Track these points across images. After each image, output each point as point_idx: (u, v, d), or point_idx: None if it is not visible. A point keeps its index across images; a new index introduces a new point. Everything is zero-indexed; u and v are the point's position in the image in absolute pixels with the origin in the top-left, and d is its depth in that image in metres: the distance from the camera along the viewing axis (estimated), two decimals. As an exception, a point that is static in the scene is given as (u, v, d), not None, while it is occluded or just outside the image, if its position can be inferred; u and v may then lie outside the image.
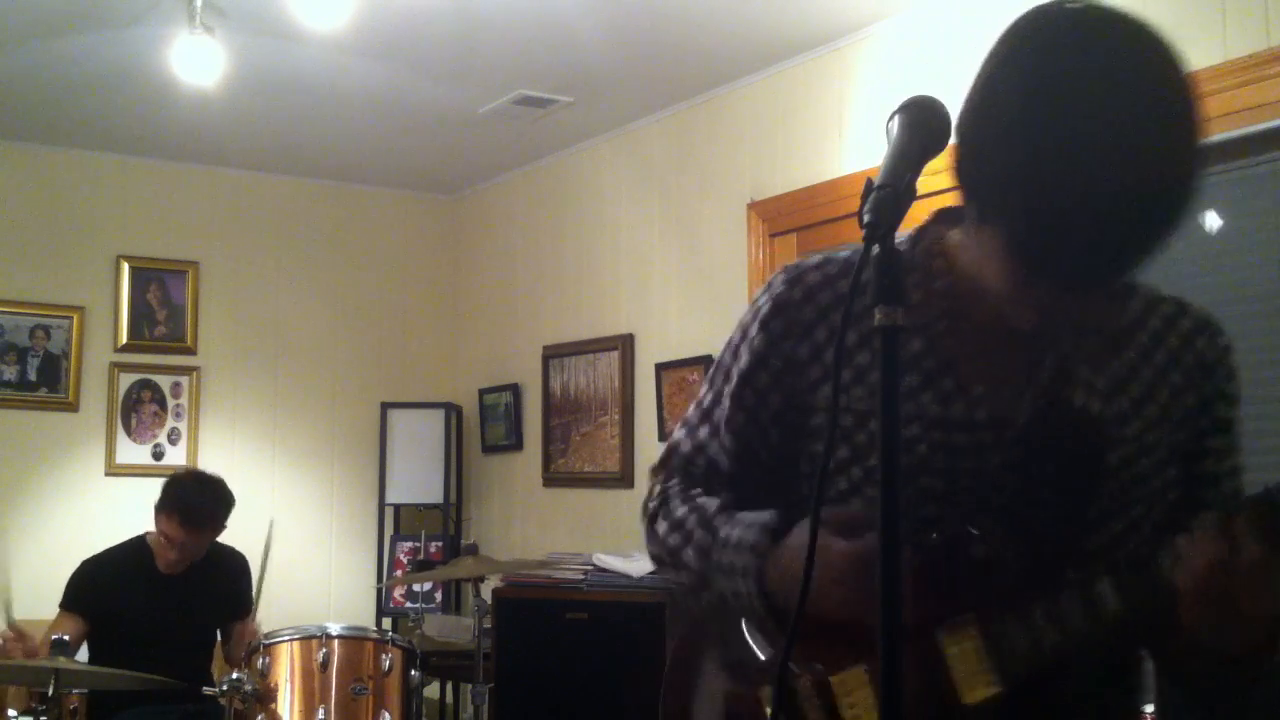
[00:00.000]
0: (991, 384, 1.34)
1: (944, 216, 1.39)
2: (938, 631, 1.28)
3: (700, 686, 1.53)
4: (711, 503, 1.46)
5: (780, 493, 1.43)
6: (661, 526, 1.50)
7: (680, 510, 1.48)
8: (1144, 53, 1.16)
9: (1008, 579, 1.29)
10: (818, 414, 1.40)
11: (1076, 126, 1.12)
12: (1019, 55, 1.21)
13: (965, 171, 1.21)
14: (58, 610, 3.95)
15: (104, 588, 3.95)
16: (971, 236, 1.29)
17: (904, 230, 1.25)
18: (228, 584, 4.21)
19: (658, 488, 1.54)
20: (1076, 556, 1.31)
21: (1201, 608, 1.20)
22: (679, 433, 1.55)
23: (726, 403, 1.48)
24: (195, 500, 4.00)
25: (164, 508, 3.98)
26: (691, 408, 1.55)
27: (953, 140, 1.22)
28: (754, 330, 1.45)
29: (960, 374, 1.34)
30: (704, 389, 1.54)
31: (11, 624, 3.67)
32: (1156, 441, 1.36)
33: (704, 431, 1.51)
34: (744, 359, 1.46)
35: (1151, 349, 1.37)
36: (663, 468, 1.55)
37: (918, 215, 1.30)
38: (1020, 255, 1.20)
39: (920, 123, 1.18)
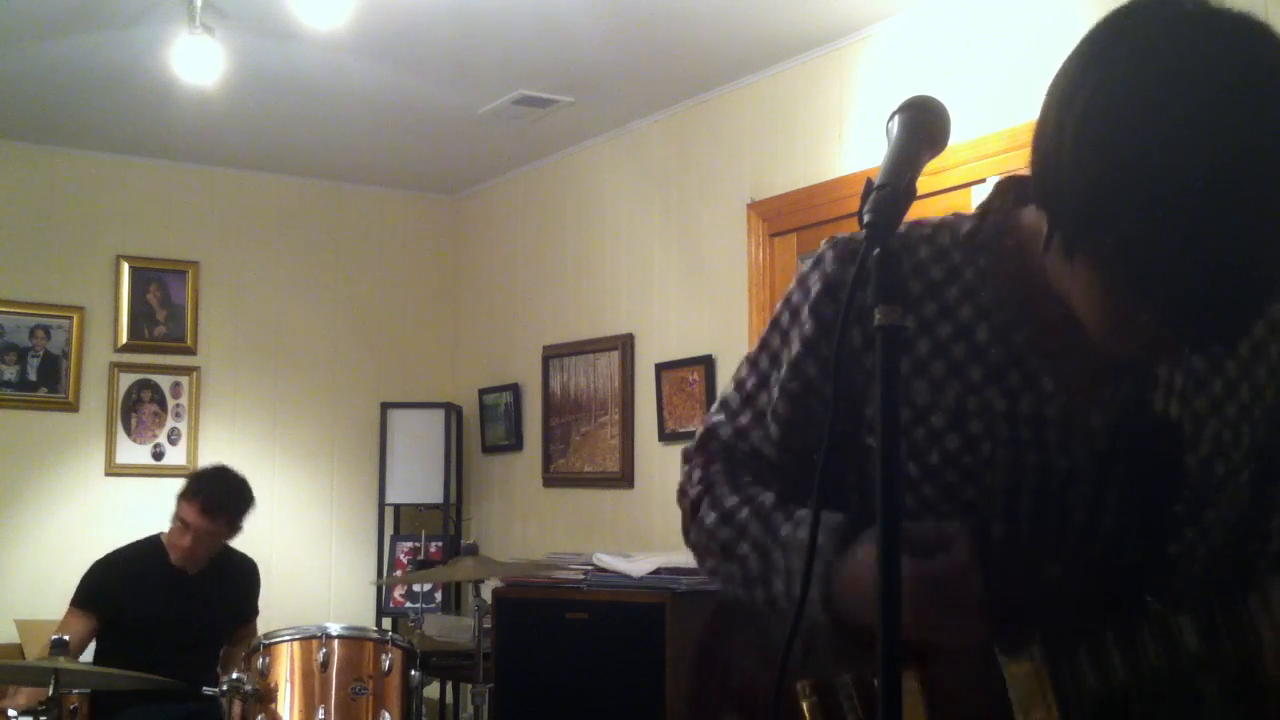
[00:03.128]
0: (1062, 378, 1.25)
1: (1010, 189, 1.29)
2: (999, 650, 1.20)
3: (729, 670, 1.47)
4: (767, 496, 1.35)
5: (828, 486, 1.33)
6: (710, 516, 1.38)
7: (730, 500, 1.37)
8: (1262, 56, 1.05)
9: (1080, 599, 1.21)
10: (867, 405, 1.29)
11: (1204, 143, 1.00)
12: (1123, 63, 1.06)
13: (1046, 195, 1.11)
14: (68, 608, 3.95)
15: (118, 586, 3.97)
16: (1057, 263, 1.15)
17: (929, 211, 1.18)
18: (239, 587, 4.22)
19: (697, 473, 1.42)
20: (1149, 568, 1.24)
21: None
22: (717, 416, 1.44)
23: (775, 390, 1.37)
24: (217, 489, 4.05)
25: (186, 494, 4.02)
26: (731, 388, 1.44)
27: (1033, 161, 1.13)
28: (805, 315, 1.34)
29: (1028, 366, 1.25)
30: (745, 369, 1.43)
31: None
32: (1234, 442, 1.27)
33: (746, 417, 1.40)
34: (794, 345, 1.35)
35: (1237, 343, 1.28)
36: (700, 452, 1.44)
37: (918, 215, 1.27)
38: (1133, 302, 1.09)
39: (920, 122, 1.16)
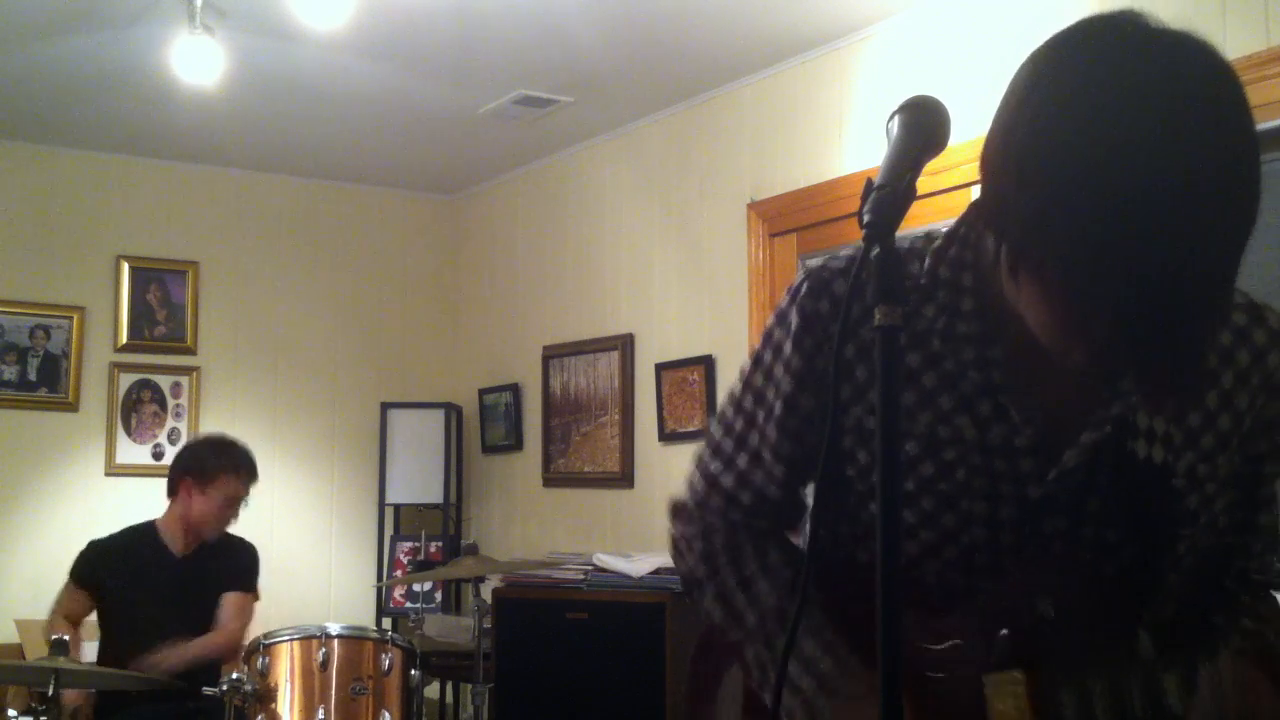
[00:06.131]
0: (1032, 409, 1.25)
1: (976, 213, 1.28)
2: (985, 681, 1.21)
3: (727, 677, 1.48)
4: (766, 589, 1.36)
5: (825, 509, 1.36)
6: (708, 594, 1.41)
7: (730, 580, 1.38)
8: (1202, 77, 1.05)
9: (1061, 630, 1.21)
10: (847, 435, 1.31)
11: (1130, 167, 1.00)
12: (1057, 82, 1.08)
13: (994, 212, 1.12)
14: (67, 579, 3.98)
15: (114, 566, 3.99)
16: (1007, 279, 1.15)
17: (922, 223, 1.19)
18: (235, 563, 4.19)
19: (699, 544, 1.43)
20: (1127, 596, 1.25)
21: None
22: (714, 464, 1.43)
23: (771, 429, 1.37)
24: (245, 453, 4.11)
25: (226, 469, 4.02)
26: (719, 432, 1.44)
27: (981, 176, 1.13)
28: (789, 350, 1.35)
29: (998, 397, 1.25)
30: (730, 411, 1.43)
31: None
32: (1209, 474, 1.26)
33: (743, 460, 1.41)
34: (784, 382, 1.36)
35: (1218, 372, 1.25)
36: (700, 507, 1.44)
37: (918, 215, 1.26)
38: (1066, 321, 1.09)
39: (920, 123, 1.16)
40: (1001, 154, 1.10)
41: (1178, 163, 1.00)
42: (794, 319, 1.35)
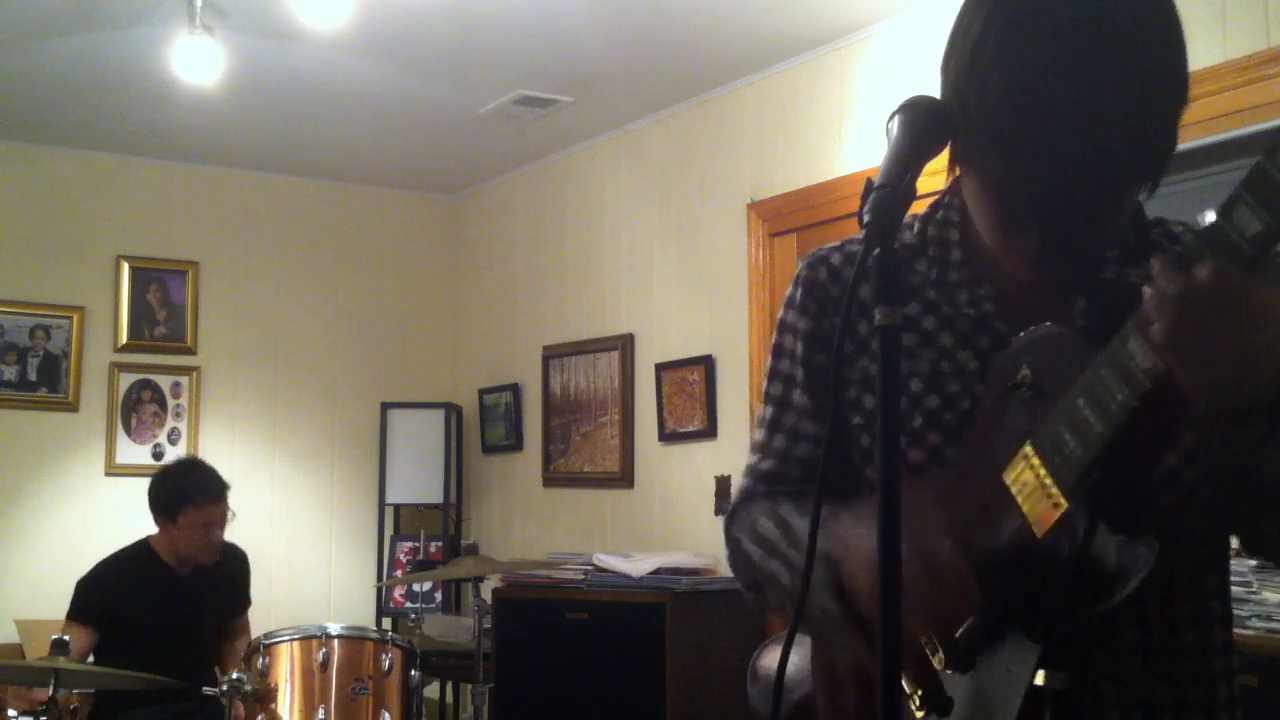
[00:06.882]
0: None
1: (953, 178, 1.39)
2: (1005, 476, 1.19)
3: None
4: (796, 516, 1.38)
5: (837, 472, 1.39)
6: (748, 544, 1.43)
7: (768, 526, 1.41)
8: None
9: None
10: (850, 387, 1.38)
11: (1047, 56, 1.12)
12: None
13: (955, 117, 1.22)
14: (65, 621, 3.92)
15: (114, 596, 3.93)
16: (964, 182, 1.29)
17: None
18: (232, 578, 4.21)
19: (743, 513, 1.46)
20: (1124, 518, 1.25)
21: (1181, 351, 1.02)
22: (753, 457, 1.48)
23: (802, 398, 1.42)
24: (210, 476, 4.08)
25: (193, 499, 3.98)
26: (755, 429, 1.49)
27: (942, 89, 1.24)
28: (793, 317, 1.43)
29: (996, 330, 1.30)
30: (762, 405, 1.49)
31: None
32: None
33: (780, 440, 1.45)
34: (797, 348, 1.43)
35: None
36: (745, 500, 1.47)
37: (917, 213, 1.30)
38: (996, 202, 1.21)
39: (920, 122, 1.16)
40: (946, 55, 1.23)
41: (1095, 57, 1.11)
42: (797, 293, 1.44)
